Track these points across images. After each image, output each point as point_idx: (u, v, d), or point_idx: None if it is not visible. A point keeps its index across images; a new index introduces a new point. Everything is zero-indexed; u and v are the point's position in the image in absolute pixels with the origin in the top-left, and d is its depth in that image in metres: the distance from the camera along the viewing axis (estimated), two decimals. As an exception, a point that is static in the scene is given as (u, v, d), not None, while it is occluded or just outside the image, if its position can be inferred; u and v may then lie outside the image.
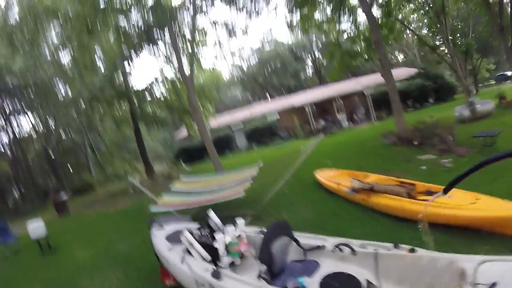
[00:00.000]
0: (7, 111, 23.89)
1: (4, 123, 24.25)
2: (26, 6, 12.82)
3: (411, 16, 18.12)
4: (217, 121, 24.70)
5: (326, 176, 7.39)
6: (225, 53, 20.28)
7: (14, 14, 13.89)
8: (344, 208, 5.83)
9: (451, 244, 3.50)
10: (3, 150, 24.95)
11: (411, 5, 14.84)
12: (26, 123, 30.81)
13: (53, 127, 22.15)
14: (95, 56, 16.69)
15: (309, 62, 45.29)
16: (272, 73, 42.69)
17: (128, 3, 14.14)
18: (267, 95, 45.51)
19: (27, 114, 23.96)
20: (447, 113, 11.41)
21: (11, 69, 15.32)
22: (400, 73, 22.33)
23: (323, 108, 24.44)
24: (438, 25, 13.80)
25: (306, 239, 2.93)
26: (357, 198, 5.61)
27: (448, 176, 5.75)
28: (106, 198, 16.81)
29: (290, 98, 28.74)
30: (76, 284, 5.46)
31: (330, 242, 2.83)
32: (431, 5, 13.46)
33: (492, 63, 27.01)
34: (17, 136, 25.16)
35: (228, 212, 6.35)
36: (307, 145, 7.14)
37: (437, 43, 16.30)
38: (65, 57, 17.15)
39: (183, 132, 25.56)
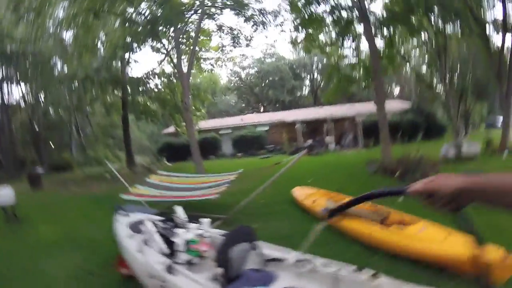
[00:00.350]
0: (1, 76, 23.27)
1: None
2: None
3: (413, 51, 18.53)
4: (206, 123, 24.59)
5: (303, 193, 7.35)
6: (226, 58, 20.30)
7: None
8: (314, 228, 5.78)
9: (415, 277, 3.50)
10: None
11: (414, 40, 15.24)
12: (17, 91, 29.84)
13: (42, 101, 21.62)
14: (97, 38, 16.57)
15: (307, 81, 45.79)
16: (269, 86, 42.95)
17: None
18: (261, 106, 45.70)
19: (19, 83, 23.37)
20: (433, 151, 11.64)
21: (12, 35, 15.03)
22: (393, 105, 22.73)
23: (314, 128, 24.64)
24: (438, 64, 14.15)
25: (269, 249, 2.86)
26: (330, 219, 5.59)
27: (424, 211, 5.78)
28: (82, 180, 16.54)
29: (282, 113, 28.93)
30: (33, 258, 5.33)
31: (292, 255, 2.77)
32: (433, 44, 13.83)
33: (486, 108, 27.73)
34: (5, 102, 24.48)
35: (200, 212, 6.24)
36: (290, 159, 7.12)
37: (434, 80, 16.68)
38: (66, 33, 16.96)
39: (170, 128, 25.35)
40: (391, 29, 13.02)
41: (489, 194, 0.77)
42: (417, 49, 18.21)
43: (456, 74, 19.65)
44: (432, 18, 12.56)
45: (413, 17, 12.07)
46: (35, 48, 15.88)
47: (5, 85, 23.91)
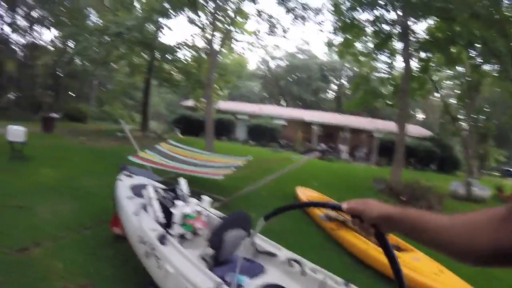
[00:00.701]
0: (34, 18, 23.62)
1: (27, 26, 23.99)
2: None
3: (444, 82, 18.10)
4: (225, 105, 24.56)
5: (306, 194, 7.31)
6: (259, 45, 20.10)
7: None
8: (311, 230, 5.76)
9: None
10: (16, 50, 24.71)
11: (449, 71, 14.88)
12: (47, 35, 30.32)
13: (72, 48, 21.88)
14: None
15: (333, 85, 45.22)
16: (295, 82, 42.55)
17: None
18: (282, 100, 45.40)
19: (51, 26, 23.66)
20: (444, 183, 11.43)
21: None
22: (414, 130, 22.35)
23: (330, 133, 24.38)
24: (467, 100, 13.78)
25: (262, 241, 2.84)
26: (327, 226, 5.54)
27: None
28: (94, 133, 16.77)
29: (302, 111, 28.67)
30: (30, 198, 5.36)
31: (284, 253, 2.74)
32: (467, 78, 13.46)
33: (504, 155, 27.07)
34: (35, 43, 24.90)
35: (201, 190, 6.27)
36: (300, 158, 7.06)
37: (460, 116, 16.31)
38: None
39: (189, 101, 25.42)
40: (429, 54, 12.68)
41: (406, 227, 0.82)
42: (449, 80, 17.77)
43: (483, 114, 19.19)
44: (471, 53, 12.19)
45: (453, 48, 11.74)
46: None
47: (36, 27, 24.38)
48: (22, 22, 24.03)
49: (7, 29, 23.37)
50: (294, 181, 8.81)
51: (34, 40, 24.94)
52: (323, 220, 5.76)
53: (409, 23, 11.43)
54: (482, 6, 8.90)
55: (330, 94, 45.93)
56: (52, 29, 24.10)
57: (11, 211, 4.70)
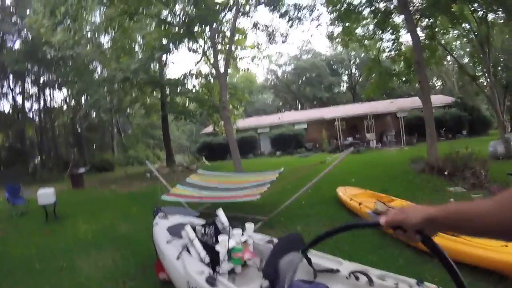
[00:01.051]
0: (42, 80, 24.88)
1: (37, 91, 25.30)
2: None
3: (454, 43, 17.32)
4: (244, 122, 24.63)
5: (348, 194, 6.95)
6: (262, 56, 20.06)
7: None
8: (364, 231, 5.39)
9: (476, 286, 3.15)
10: (32, 116, 26.03)
11: (456, 31, 14.21)
12: (58, 94, 31.91)
13: (84, 103, 22.84)
14: (134, 40, 17.03)
15: (344, 77, 44.53)
16: (306, 83, 42.24)
17: None
18: (298, 104, 45.09)
19: (61, 87, 24.84)
20: (480, 147, 10.85)
21: (50, 42, 15.86)
22: (436, 100, 21.50)
23: (353, 125, 23.85)
24: (481, 55, 13.06)
25: (319, 258, 2.59)
26: None
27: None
28: (123, 179, 17.06)
29: (320, 110, 28.27)
30: (71, 256, 5.34)
31: (345, 266, 2.48)
32: (475, 33, 12.78)
33: None
34: (48, 105, 26.15)
35: (239, 213, 6.06)
36: (334, 158, 6.74)
37: (478, 74, 15.53)
38: (104, 37, 17.62)
39: (209, 127, 25.66)
40: (432, 20, 12.14)
41: (451, 223, 0.82)
42: (458, 40, 16.97)
43: (501, 65, 18.14)
44: (474, 6, 11.56)
45: (454, 6, 11.18)
46: (74, 53, 16.56)
47: (47, 89, 25.64)
48: (33, 89, 25.44)
49: (19, 99, 24.76)
50: (330, 182, 8.50)
51: (48, 103, 26.26)
52: (372, 217, 5.40)
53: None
54: None
55: (344, 87, 45.22)
56: (63, 89, 25.29)
57: (55, 273, 4.67)
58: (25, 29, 21.48)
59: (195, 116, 19.90)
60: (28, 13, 20.83)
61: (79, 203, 10.41)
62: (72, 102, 26.23)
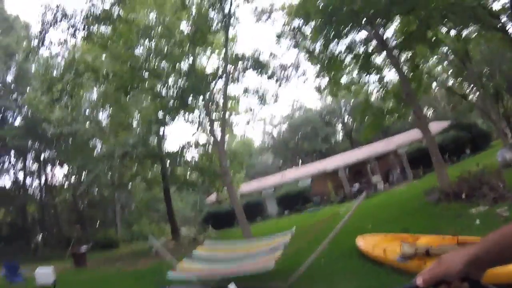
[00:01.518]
0: (43, 157, 25.12)
1: (38, 168, 25.41)
2: (68, 59, 13.81)
3: (436, 69, 17.98)
4: (247, 187, 24.37)
5: (369, 242, 6.38)
6: (256, 119, 20.50)
7: (57, 64, 14.98)
8: (396, 280, 4.72)
9: None
10: (33, 193, 25.77)
11: (435, 57, 14.82)
12: (59, 171, 31.89)
13: (84, 179, 22.75)
14: (131, 115, 17.59)
15: (339, 126, 45.37)
16: (303, 138, 42.80)
17: (165, 69, 15.06)
18: (299, 160, 45.20)
19: (61, 163, 24.98)
20: (488, 160, 10.55)
21: (49, 117, 16.28)
22: (432, 127, 21.59)
23: (357, 171, 23.57)
24: (465, 72, 13.46)
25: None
26: (411, 267, 4.54)
27: None
28: (128, 256, 16.36)
29: (322, 163, 28.19)
30: None
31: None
32: (454, 54, 13.33)
33: None
34: (49, 182, 26.07)
35: (254, 283, 5.53)
36: (348, 209, 6.35)
37: (466, 91, 15.89)
38: (101, 113, 18.22)
39: (212, 196, 25.32)
40: (411, 51, 12.65)
41: (495, 256, 0.76)
42: (440, 65, 17.61)
43: (485, 76, 18.62)
44: (447, 26, 12.13)
45: (429, 32, 11.68)
46: (72, 130, 16.91)
47: (48, 165, 25.80)
48: (34, 166, 25.61)
49: (21, 175, 24.82)
50: (346, 232, 7.89)
51: (49, 180, 26.23)
52: (401, 262, 4.84)
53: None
54: None
55: (340, 135, 45.83)
56: (64, 165, 25.39)
57: None
58: (25, 106, 22.12)
59: (197, 185, 19.70)
60: (28, 90, 21.63)
61: (80, 284, 9.80)
62: (73, 179, 26.24)
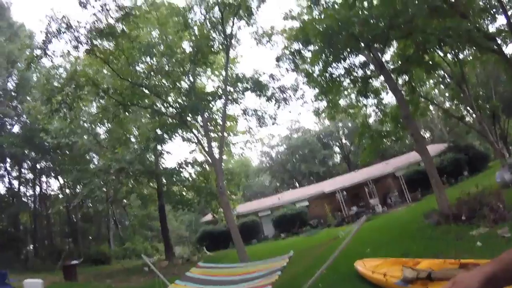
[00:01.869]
0: (39, 167, 24.77)
1: (33, 178, 25.01)
2: (69, 71, 13.85)
3: (433, 92, 18.26)
4: (244, 207, 24.12)
5: (368, 267, 6.26)
6: (255, 140, 20.46)
7: (58, 75, 14.96)
8: None
9: None
10: (27, 202, 25.27)
11: (432, 80, 15.05)
12: (54, 182, 31.08)
13: (79, 192, 22.36)
14: (129, 131, 17.53)
15: (336, 148, 45.52)
16: (301, 160, 42.84)
17: (166, 86, 15.18)
18: (296, 182, 45.03)
19: (57, 174, 24.62)
20: (487, 181, 10.53)
21: (47, 128, 16.10)
22: (430, 150, 21.70)
23: (355, 193, 23.43)
24: (461, 95, 13.66)
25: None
26: None
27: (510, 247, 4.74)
28: (119, 272, 16.10)
29: (319, 185, 28.09)
30: None
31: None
32: (451, 77, 13.56)
33: None
34: (44, 192, 25.65)
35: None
36: (346, 231, 6.25)
37: (463, 113, 16.12)
38: (99, 128, 18.12)
39: (208, 216, 25.00)
40: (408, 75, 12.82)
41: None
42: (436, 88, 17.88)
43: (481, 98, 18.93)
44: (445, 48, 12.37)
45: (426, 56, 11.89)
46: (70, 141, 16.78)
47: (43, 176, 25.41)
48: (29, 175, 25.23)
49: (15, 183, 24.39)
50: (344, 256, 7.72)
51: (44, 190, 25.82)
52: (402, 286, 4.73)
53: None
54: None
55: (338, 158, 45.91)
56: (59, 177, 25.04)
57: None
58: (24, 114, 21.95)
59: (192, 204, 19.44)
60: (28, 98, 21.53)
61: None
62: (68, 191, 25.82)
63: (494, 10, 11.48)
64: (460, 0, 9.39)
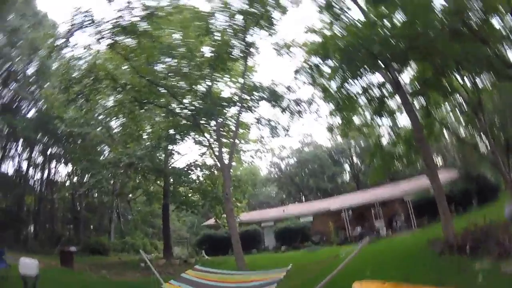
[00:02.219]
0: (49, 152, 25.19)
1: (43, 162, 25.43)
2: (89, 64, 14.09)
3: (448, 117, 17.85)
4: (247, 216, 23.98)
5: None
6: (265, 150, 20.47)
7: (78, 66, 15.28)
8: None
9: None
10: (34, 185, 25.64)
11: (447, 106, 14.76)
12: (63, 169, 31.17)
13: (86, 182, 22.53)
14: (142, 128, 17.77)
15: (347, 166, 44.99)
16: (309, 174, 42.50)
17: (183, 88, 15.37)
18: (302, 196, 44.65)
19: (66, 161, 24.89)
20: (495, 213, 10.19)
21: (62, 115, 16.34)
22: (440, 176, 21.18)
23: (360, 214, 23.08)
24: (477, 122, 13.33)
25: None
26: None
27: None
28: (116, 265, 16.11)
29: (326, 201, 27.78)
30: None
31: None
32: (467, 103, 13.24)
33: None
34: (52, 177, 25.99)
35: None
36: (348, 251, 6.16)
37: (477, 140, 15.60)
38: (114, 121, 18.37)
39: (211, 220, 24.98)
40: (425, 98, 12.56)
41: None
42: (452, 113, 17.50)
43: (496, 127, 18.36)
44: (461, 73, 12.14)
45: (445, 80, 11.72)
46: (83, 132, 16.98)
47: (53, 162, 25.79)
48: (39, 159, 25.63)
49: (24, 165, 24.81)
50: (343, 275, 7.57)
51: (51, 175, 26.18)
52: None
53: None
54: (453, 21, 9.15)
55: (347, 176, 45.35)
56: (68, 164, 25.37)
57: None
58: (41, 100, 22.30)
59: (197, 207, 19.47)
60: (46, 85, 21.96)
61: (63, 285, 9.51)
62: (75, 179, 26.12)
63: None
64: (481, 26, 9.25)
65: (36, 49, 21.36)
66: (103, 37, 12.38)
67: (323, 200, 29.88)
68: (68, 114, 16.14)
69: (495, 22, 9.81)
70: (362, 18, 11.10)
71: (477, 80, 12.57)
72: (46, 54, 14.94)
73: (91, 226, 28.56)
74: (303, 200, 42.67)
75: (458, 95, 13.32)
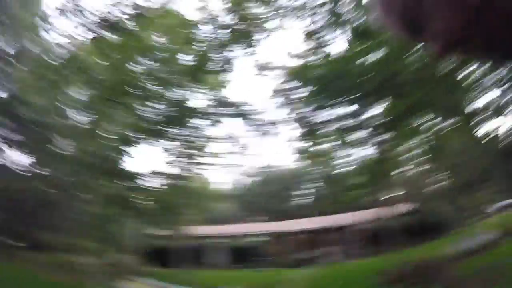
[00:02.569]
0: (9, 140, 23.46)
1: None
2: (70, 54, 13.64)
3: (411, 153, 18.84)
4: (200, 229, 23.50)
5: None
6: (229, 165, 20.41)
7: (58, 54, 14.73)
8: None
9: None
10: None
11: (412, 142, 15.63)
12: (22, 159, 28.92)
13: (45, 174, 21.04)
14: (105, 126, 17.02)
15: (310, 190, 45.68)
16: (270, 194, 42.70)
17: (155, 92, 15.17)
18: (260, 215, 44.58)
19: (26, 151, 23.38)
20: (449, 247, 10.85)
21: (28, 103, 15.47)
22: (398, 208, 22.15)
23: (316, 238, 23.48)
24: (438, 160, 14.21)
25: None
26: None
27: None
28: (51, 264, 15.66)
29: (282, 223, 27.97)
30: None
31: None
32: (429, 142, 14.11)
33: (491, 192, 26.41)
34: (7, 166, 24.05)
35: None
36: (297, 277, 6.27)
37: (437, 178, 16.51)
38: (83, 116, 17.54)
39: (162, 230, 24.13)
40: (391, 133, 13.07)
41: None
42: (412, 152, 18.48)
43: (454, 166, 19.57)
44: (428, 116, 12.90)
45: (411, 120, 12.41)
46: (49, 122, 16.18)
47: (12, 150, 23.95)
48: None
49: None
50: None
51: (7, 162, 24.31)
52: None
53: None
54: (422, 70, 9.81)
55: (306, 199, 46.01)
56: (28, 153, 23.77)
57: None
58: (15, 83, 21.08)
59: (148, 214, 18.87)
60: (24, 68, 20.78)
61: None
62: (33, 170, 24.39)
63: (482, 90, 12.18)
64: (452, 74, 9.99)
65: (22, 29, 20.33)
66: (89, 30, 12.03)
67: (282, 222, 30.08)
68: (38, 102, 15.29)
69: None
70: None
71: (442, 123, 13.40)
72: (28, 34, 14.30)
73: (42, 222, 26.49)
74: (261, 219, 42.63)
75: (422, 134, 14.17)
